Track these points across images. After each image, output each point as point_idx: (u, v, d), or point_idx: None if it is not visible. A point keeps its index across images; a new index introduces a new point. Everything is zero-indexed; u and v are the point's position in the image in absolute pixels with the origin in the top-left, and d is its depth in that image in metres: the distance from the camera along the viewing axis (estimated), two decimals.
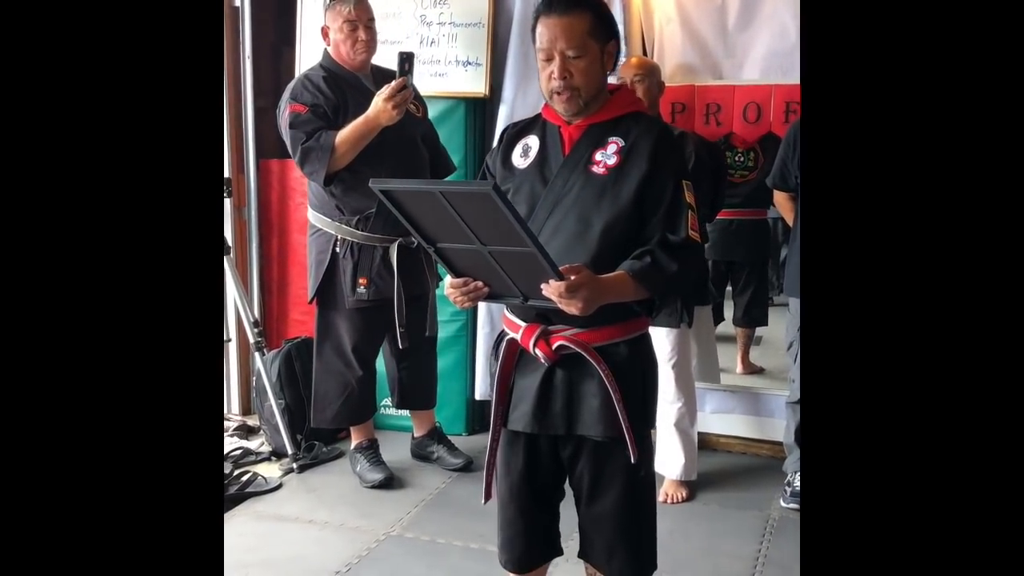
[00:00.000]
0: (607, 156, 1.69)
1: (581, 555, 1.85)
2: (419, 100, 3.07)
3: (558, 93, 1.69)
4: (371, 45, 3.01)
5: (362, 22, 2.96)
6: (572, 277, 1.53)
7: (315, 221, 3.11)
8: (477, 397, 3.57)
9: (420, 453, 3.39)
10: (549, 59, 1.67)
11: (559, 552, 1.90)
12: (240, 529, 2.84)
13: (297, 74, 3.74)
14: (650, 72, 2.97)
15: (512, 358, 1.76)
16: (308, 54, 3.68)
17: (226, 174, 3.78)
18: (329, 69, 3.02)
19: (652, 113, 2.97)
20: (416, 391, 3.33)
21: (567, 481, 1.83)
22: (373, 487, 3.13)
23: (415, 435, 3.40)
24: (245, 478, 3.13)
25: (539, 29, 1.68)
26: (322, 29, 3.04)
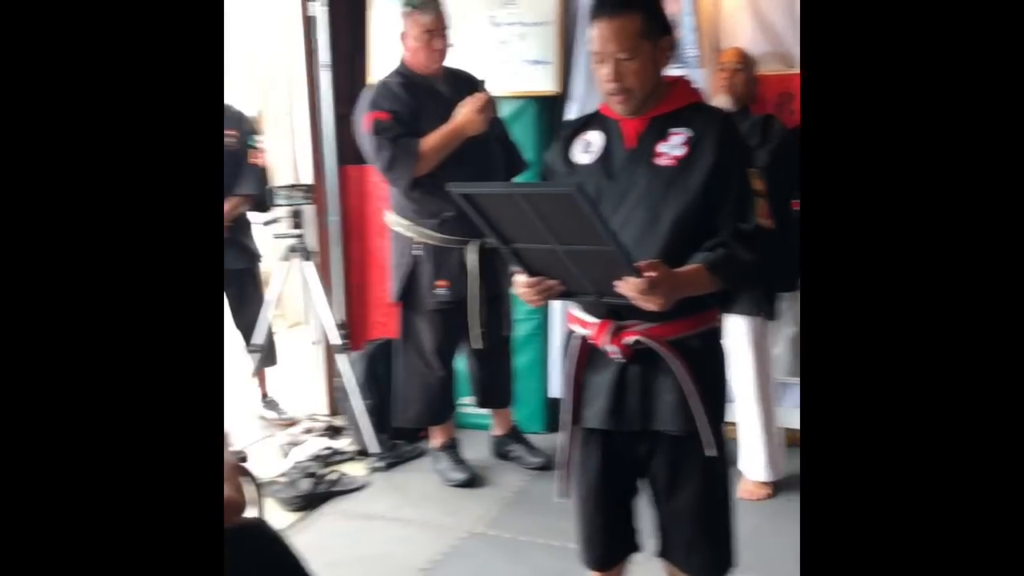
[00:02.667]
0: (672, 148, 1.68)
1: (660, 553, 1.84)
2: (491, 100, 3.11)
3: (613, 95, 1.69)
4: (445, 52, 3.06)
5: (439, 31, 3.01)
6: (650, 274, 1.52)
7: (395, 225, 3.17)
8: (553, 395, 3.59)
9: (500, 452, 3.41)
10: (602, 61, 1.67)
11: (638, 548, 1.90)
12: (329, 528, 2.91)
13: (369, 81, 3.83)
14: (748, 63, 3.02)
15: (583, 355, 1.76)
16: (379, 61, 3.75)
17: (308, 180, 3.89)
18: (405, 75, 3.07)
19: (750, 103, 2.96)
20: (495, 390, 3.36)
21: (643, 478, 1.83)
22: (456, 486, 3.17)
23: (494, 434, 3.43)
24: (333, 477, 3.21)
25: (591, 32, 1.69)
26: (400, 35, 3.09)
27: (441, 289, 3.06)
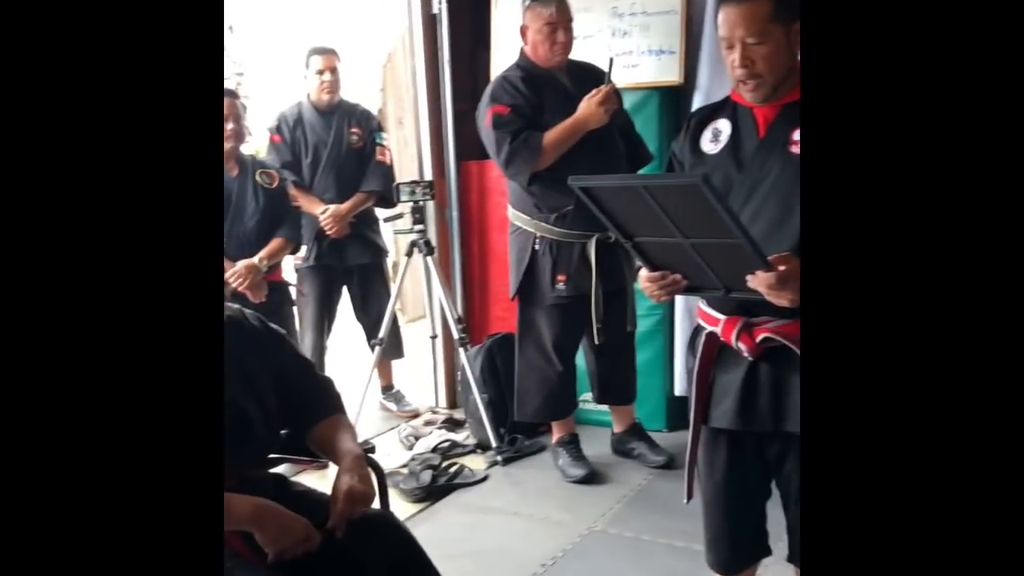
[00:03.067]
0: None
1: (790, 559, 1.77)
2: (615, 92, 3.07)
3: (742, 82, 1.63)
4: (568, 46, 3.03)
5: (562, 24, 2.98)
6: (782, 268, 1.46)
7: (515, 219, 3.17)
8: (676, 393, 3.51)
9: (620, 449, 3.37)
10: (731, 47, 1.62)
11: (767, 552, 1.83)
12: (448, 520, 2.94)
13: (493, 76, 3.84)
14: None
15: (711, 353, 1.71)
16: (503, 56, 3.75)
17: (428, 176, 3.94)
18: (526, 68, 3.06)
19: None
20: (615, 386, 3.31)
21: (773, 481, 1.76)
22: (575, 482, 3.15)
23: (615, 431, 3.39)
24: (453, 470, 3.24)
25: (720, 16, 1.63)
26: (521, 28, 3.08)
27: (561, 284, 3.05)
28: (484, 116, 3.04)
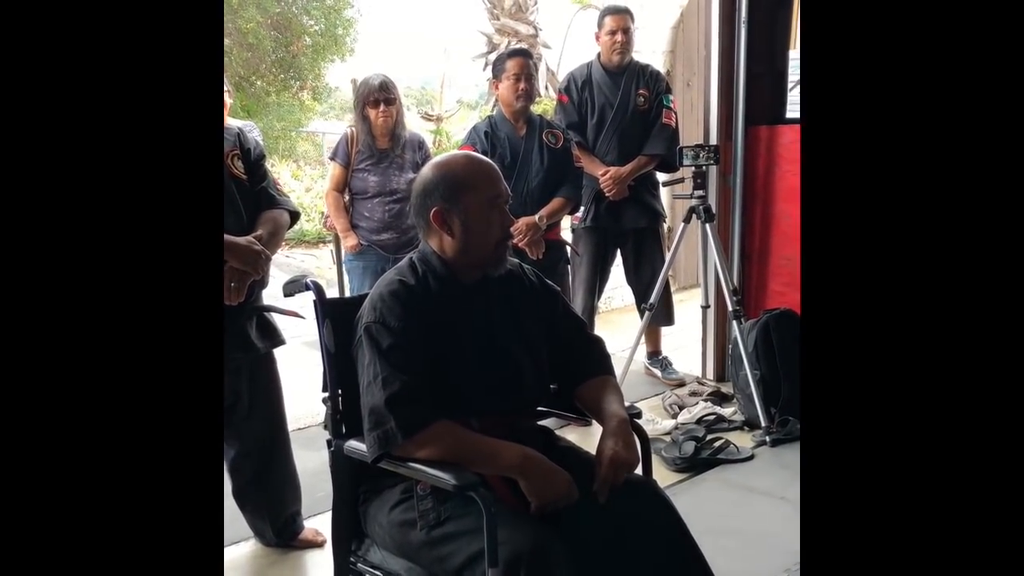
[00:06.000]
0: None
1: None
2: None
3: None
4: None
5: None
6: None
7: None
8: None
9: None
10: None
11: None
12: (711, 495, 2.87)
13: (793, 39, 3.62)
14: None
15: None
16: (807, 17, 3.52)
17: (713, 140, 3.82)
18: None
19: None
20: None
21: None
22: None
23: None
24: (717, 444, 3.15)
25: None
26: None
27: None
28: None
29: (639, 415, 1.84)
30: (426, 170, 1.74)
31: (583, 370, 1.83)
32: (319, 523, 2.62)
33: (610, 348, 1.96)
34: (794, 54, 3.61)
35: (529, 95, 3.34)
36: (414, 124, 6.42)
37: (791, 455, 3.15)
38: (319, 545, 2.56)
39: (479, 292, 1.74)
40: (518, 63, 3.31)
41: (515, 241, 3.24)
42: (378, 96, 3.35)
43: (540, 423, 1.89)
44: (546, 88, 8.17)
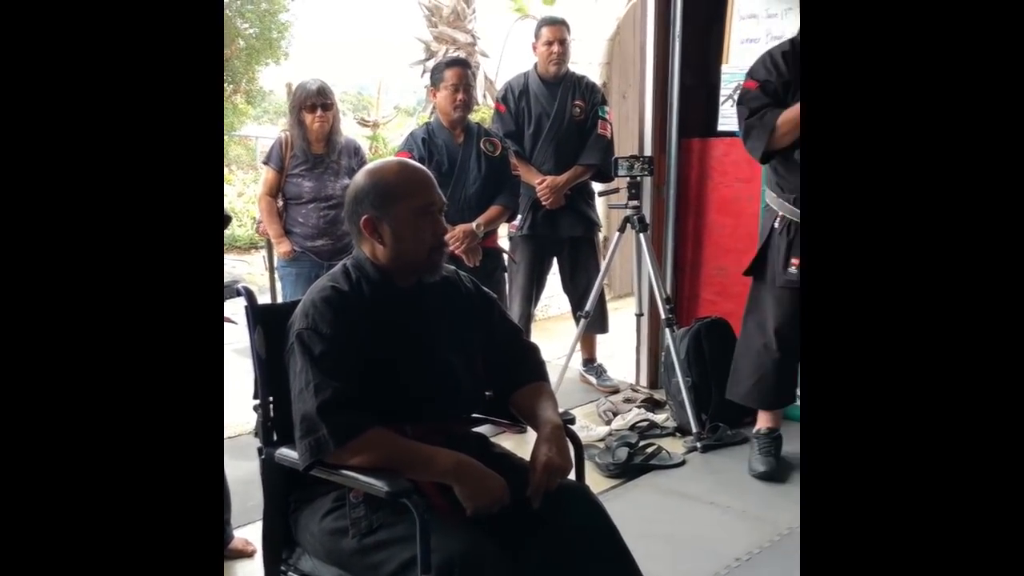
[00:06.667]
0: None
1: None
2: None
3: None
4: None
5: None
6: None
7: (767, 197, 3.08)
8: None
9: None
10: None
11: None
12: (643, 500, 2.91)
13: (727, 52, 3.71)
14: None
15: None
16: (739, 30, 3.61)
17: (648, 152, 3.88)
18: (797, 42, 2.92)
19: None
20: None
21: None
22: (754, 476, 3.03)
23: None
24: (650, 450, 3.20)
25: None
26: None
27: (793, 268, 2.91)
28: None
29: (573, 421, 1.86)
30: (359, 177, 1.73)
31: (518, 377, 1.84)
32: (249, 532, 2.58)
33: (546, 355, 1.98)
34: (727, 68, 3.69)
35: (467, 105, 3.35)
36: (351, 130, 6.37)
37: (721, 461, 3.21)
38: (249, 555, 2.52)
39: (414, 298, 1.74)
40: (456, 73, 3.32)
41: (452, 248, 3.24)
42: (315, 101, 3.32)
43: (475, 430, 1.90)
44: (484, 97, 8.20)
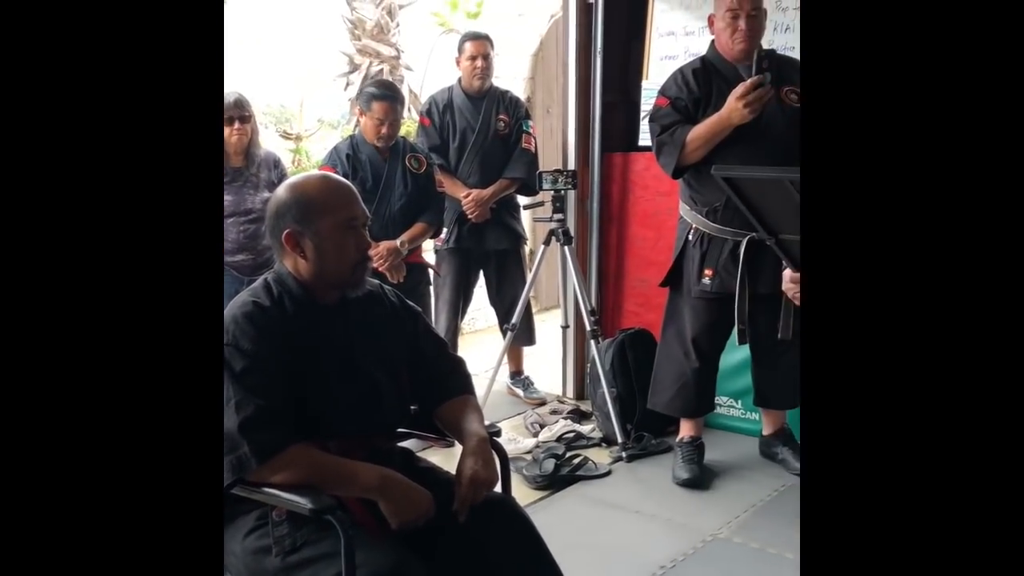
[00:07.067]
0: None
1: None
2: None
3: None
4: (751, 36, 2.88)
5: (744, 11, 2.84)
6: None
7: (680, 209, 3.13)
8: None
9: (766, 452, 3.29)
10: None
11: None
12: (569, 510, 2.93)
13: (646, 68, 3.78)
14: None
15: None
16: (658, 48, 3.70)
17: (571, 166, 3.93)
18: (708, 60, 2.99)
19: None
20: (772, 390, 3.20)
21: None
22: (678, 484, 3.09)
23: (763, 433, 3.32)
24: (576, 461, 3.22)
25: None
26: (709, 17, 3.02)
27: (706, 279, 2.98)
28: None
29: (498, 434, 1.87)
30: (280, 190, 1.72)
31: (443, 390, 1.84)
32: None
33: (473, 368, 1.98)
34: (647, 84, 3.77)
35: (391, 137, 3.36)
36: (273, 143, 6.28)
37: (646, 469, 3.26)
38: None
39: (337, 313, 1.73)
40: (383, 108, 3.30)
41: (376, 266, 3.23)
42: (232, 113, 3.27)
43: (401, 444, 1.89)
44: (408, 110, 8.18)
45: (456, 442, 1.80)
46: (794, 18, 3.37)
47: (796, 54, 3.25)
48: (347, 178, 3.21)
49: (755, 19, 2.87)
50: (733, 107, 2.75)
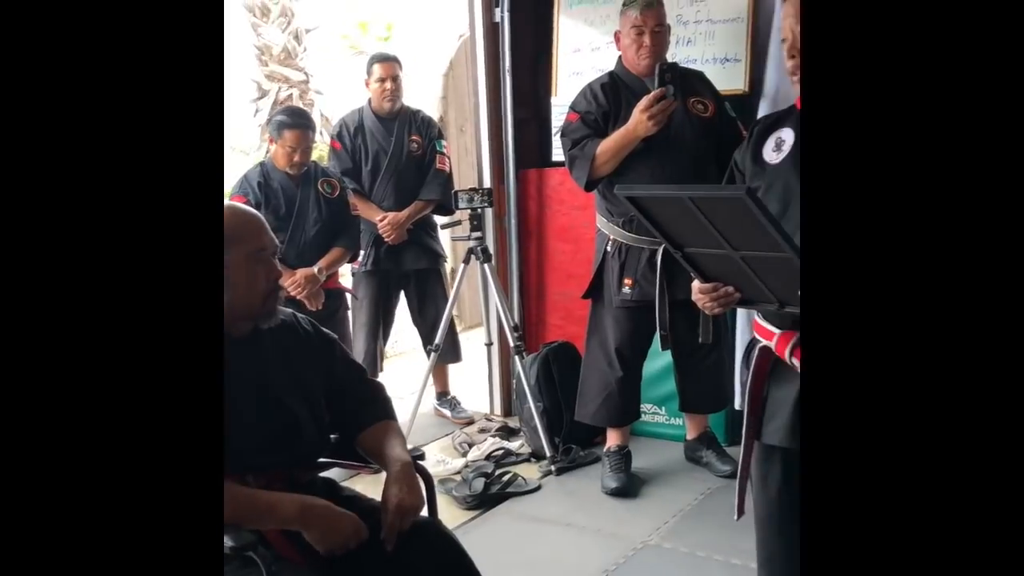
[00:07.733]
0: None
1: None
2: (715, 98, 3.03)
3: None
4: (656, 51, 2.95)
5: (648, 27, 2.92)
6: None
7: (597, 222, 3.18)
8: (736, 407, 3.44)
9: (691, 456, 3.36)
10: (794, 56, 1.56)
11: None
12: (500, 528, 2.93)
13: (554, 85, 3.84)
14: None
15: (764, 367, 1.66)
16: (565, 65, 3.75)
17: (487, 184, 3.95)
18: (615, 75, 3.06)
19: None
20: (694, 395, 3.26)
21: None
22: (607, 493, 3.12)
23: (687, 438, 3.38)
24: (506, 478, 3.23)
25: (784, 21, 1.58)
26: (615, 34, 3.08)
27: (627, 288, 3.03)
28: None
29: (422, 457, 1.86)
30: None
31: (363, 417, 1.82)
32: None
33: (399, 390, 1.97)
34: (556, 100, 3.82)
35: (302, 164, 3.34)
36: None
37: (575, 482, 3.28)
38: None
39: (251, 345, 1.70)
40: (295, 136, 3.27)
41: (293, 294, 3.19)
42: None
43: (325, 474, 1.86)
44: (320, 134, 8.10)
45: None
46: (694, 32, 3.45)
47: (698, 66, 3.34)
48: (258, 206, 3.17)
49: (659, 35, 2.95)
50: (638, 120, 2.82)
